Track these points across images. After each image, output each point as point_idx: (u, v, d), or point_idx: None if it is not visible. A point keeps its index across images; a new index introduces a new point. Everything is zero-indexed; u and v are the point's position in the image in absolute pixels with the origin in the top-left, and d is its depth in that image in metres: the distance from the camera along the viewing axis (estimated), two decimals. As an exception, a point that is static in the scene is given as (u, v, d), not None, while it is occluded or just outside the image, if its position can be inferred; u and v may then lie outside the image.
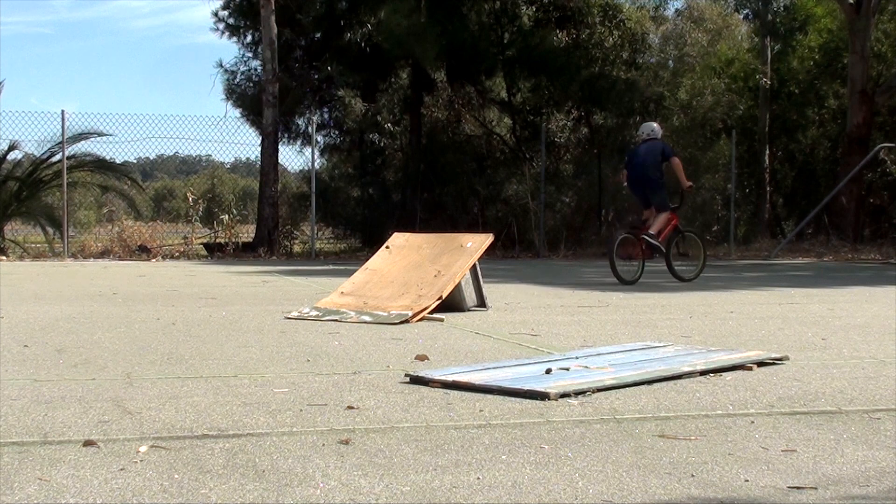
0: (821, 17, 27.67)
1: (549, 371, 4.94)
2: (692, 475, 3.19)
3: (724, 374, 5.16)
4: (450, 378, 4.75)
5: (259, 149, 22.26)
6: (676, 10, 31.83)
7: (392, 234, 9.70)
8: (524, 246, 21.87)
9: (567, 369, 5.03)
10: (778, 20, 28.47)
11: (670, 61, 29.48)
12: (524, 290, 11.15)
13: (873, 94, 23.78)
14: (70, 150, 20.36)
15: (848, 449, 3.57)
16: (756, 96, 27.79)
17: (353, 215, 24.20)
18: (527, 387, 4.51)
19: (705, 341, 6.57)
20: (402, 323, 7.48)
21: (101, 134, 20.71)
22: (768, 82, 27.09)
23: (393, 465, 3.28)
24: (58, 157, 20.09)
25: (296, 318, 7.83)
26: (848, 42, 24.72)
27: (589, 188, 24.30)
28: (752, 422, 4.01)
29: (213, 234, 21.45)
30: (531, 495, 2.96)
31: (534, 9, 24.42)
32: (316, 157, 22.15)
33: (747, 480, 3.14)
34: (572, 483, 3.09)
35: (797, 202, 27.91)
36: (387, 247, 9.22)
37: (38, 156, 21.12)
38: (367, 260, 9.57)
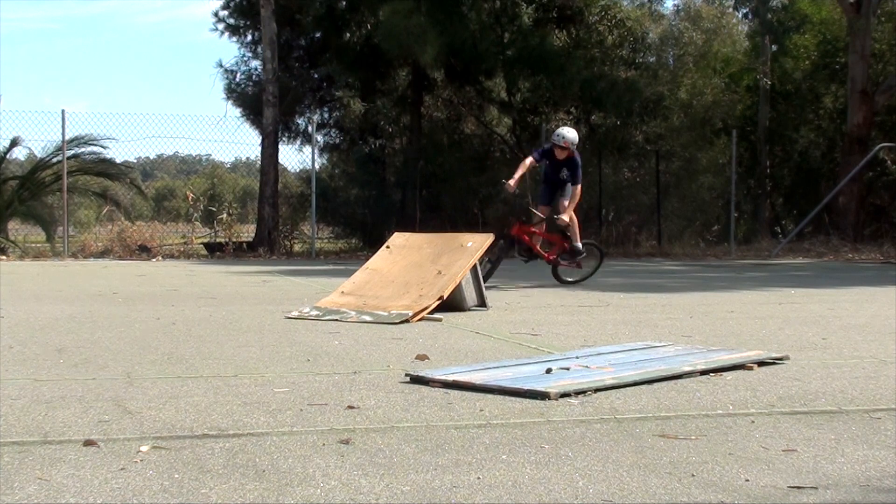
0: (816, 19, 27.69)
1: (549, 371, 4.94)
2: (692, 475, 3.19)
3: (724, 373, 5.16)
4: (450, 378, 4.75)
5: (259, 148, 22.27)
6: (675, 5, 31.89)
7: (392, 233, 9.70)
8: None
9: (567, 369, 5.03)
10: (776, 19, 28.48)
11: (670, 60, 29.49)
12: (524, 290, 11.14)
13: (873, 94, 23.78)
14: (72, 150, 20.38)
15: (848, 449, 3.57)
16: (755, 96, 27.80)
17: (353, 215, 24.18)
18: (527, 386, 4.51)
19: (706, 341, 6.57)
20: (402, 323, 7.47)
21: (101, 143, 20.74)
22: (768, 81, 27.09)
23: (393, 465, 3.28)
24: (58, 157, 20.08)
25: (296, 318, 7.83)
26: (846, 41, 24.71)
27: (589, 188, 24.27)
28: (753, 421, 4.01)
29: (213, 234, 21.45)
30: (531, 495, 2.96)
31: (533, 8, 24.41)
32: (316, 156, 22.17)
33: (748, 480, 3.14)
34: (573, 483, 3.09)
35: (797, 202, 27.91)
36: (387, 246, 9.23)
37: (39, 156, 21.13)
38: (367, 260, 9.57)
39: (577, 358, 5.47)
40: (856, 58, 23.47)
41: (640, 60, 25.83)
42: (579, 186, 11.54)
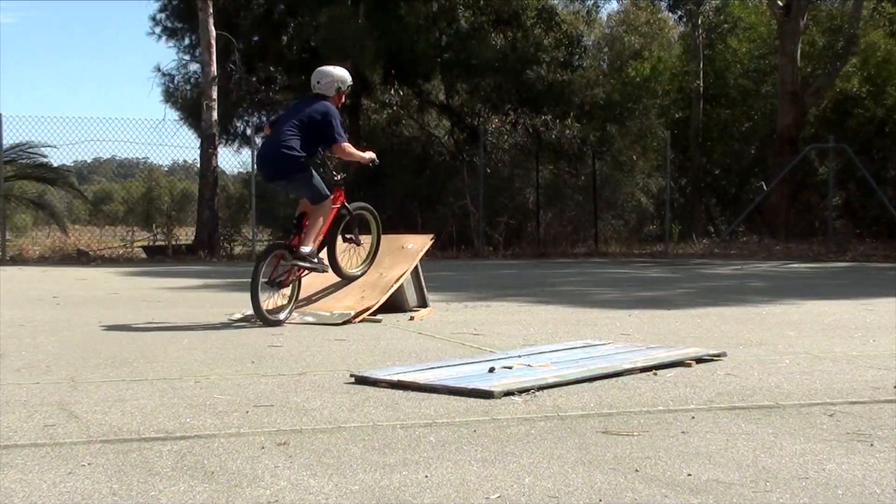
0: (748, 22, 28.13)
1: (492, 370, 4.99)
2: (636, 470, 3.26)
3: (663, 370, 5.24)
4: (395, 378, 4.79)
5: (198, 151, 22.12)
6: (609, 14, 32.35)
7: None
8: (464, 247, 21.94)
9: (510, 368, 5.09)
10: (709, 22, 28.86)
11: (604, 64, 29.80)
12: (465, 291, 11.19)
13: (803, 95, 24.20)
14: (9, 155, 20.06)
15: (786, 442, 3.65)
16: (688, 98, 28.19)
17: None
18: (471, 385, 4.56)
19: (645, 339, 6.66)
20: (344, 323, 7.50)
21: (41, 152, 20.42)
22: (700, 84, 27.47)
23: (341, 465, 3.31)
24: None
25: (240, 320, 7.82)
26: (776, 44, 25.12)
27: (527, 188, 24.44)
28: (693, 417, 4.10)
29: (152, 238, 21.29)
30: (478, 492, 3.01)
31: (471, 12, 24.50)
32: (255, 159, 22.05)
33: (690, 474, 3.21)
34: (519, 480, 3.14)
35: (729, 202, 28.32)
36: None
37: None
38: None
39: (518, 357, 5.53)
40: (785, 60, 23.86)
41: (577, 63, 26.03)
42: None
